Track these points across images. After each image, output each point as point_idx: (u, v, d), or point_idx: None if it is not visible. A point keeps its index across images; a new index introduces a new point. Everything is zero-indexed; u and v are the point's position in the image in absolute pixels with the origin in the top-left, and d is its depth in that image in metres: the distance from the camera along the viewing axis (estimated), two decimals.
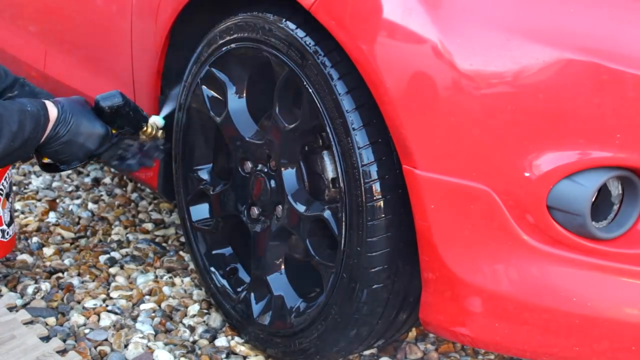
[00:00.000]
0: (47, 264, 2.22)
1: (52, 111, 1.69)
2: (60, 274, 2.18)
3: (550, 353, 1.49)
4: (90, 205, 2.56)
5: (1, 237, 2.01)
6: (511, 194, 1.42)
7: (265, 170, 1.81)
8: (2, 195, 1.98)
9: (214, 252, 1.99)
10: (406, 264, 1.58)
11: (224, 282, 1.95)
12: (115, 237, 2.38)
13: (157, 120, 1.90)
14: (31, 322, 1.96)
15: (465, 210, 1.45)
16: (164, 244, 2.37)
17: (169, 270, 2.22)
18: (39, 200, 2.59)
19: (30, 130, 1.63)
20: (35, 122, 1.64)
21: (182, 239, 2.36)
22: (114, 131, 1.80)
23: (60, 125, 1.69)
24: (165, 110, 1.99)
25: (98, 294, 2.10)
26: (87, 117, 1.74)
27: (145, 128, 1.85)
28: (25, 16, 2.60)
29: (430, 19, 1.42)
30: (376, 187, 1.53)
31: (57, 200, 2.60)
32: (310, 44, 1.59)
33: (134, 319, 2.01)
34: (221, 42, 1.79)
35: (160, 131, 1.91)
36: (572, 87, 1.37)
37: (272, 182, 1.79)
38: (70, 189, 2.69)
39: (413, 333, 1.96)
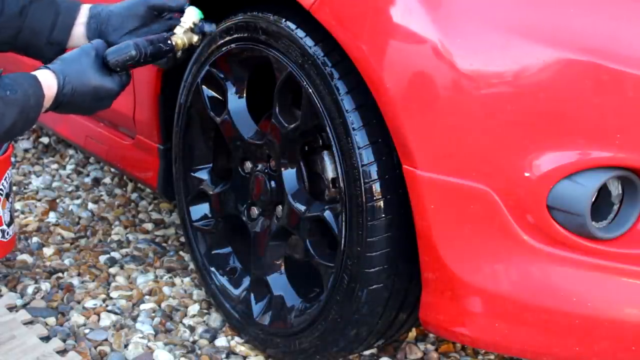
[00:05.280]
0: (47, 264, 2.22)
1: (50, 84, 1.54)
2: (60, 274, 2.18)
3: (550, 353, 1.49)
4: (90, 205, 2.56)
5: (1, 237, 2.01)
6: (511, 194, 1.42)
7: (265, 170, 1.81)
8: (2, 195, 1.98)
9: (214, 252, 1.99)
10: (406, 264, 1.58)
11: (224, 281, 1.95)
12: (115, 237, 2.38)
13: (191, 18, 1.66)
14: (31, 322, 1.96)
15: (465, 211, 1.45)
16: (164, 244, 2.37)
17: (169, 270, 2.22)
18: (39, 200, 2.59)
19: (14, 117, 1.48)
20: (20, 106, 1.48)
21: (182, 239, 2.36)
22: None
23: (63, 97, 1.55)
24: None
25: (98, 294, 2.10)
26: (95, 79, 1.57)
27: (175, 50, 1.64)
28: None
29: (431, 19, 1.42)
30: (376, 187, 1.53)
31: (57, 200, 2.60)
32: (310, 44, 1.59)
33: (134, 319, 2.01)
34: (221, 42, 1.79)
35: (196, 37, 1.67)
36: (572, 87, 1.37)
37: (272, 182, 1.79)
38: (70, 189, 2.69)
39: (413, 333, 1.96)
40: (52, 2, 1.69)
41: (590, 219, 1.41)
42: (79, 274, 2.19)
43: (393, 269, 1.58)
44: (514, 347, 1.52)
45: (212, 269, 1.97)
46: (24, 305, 2.03)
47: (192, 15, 1.66)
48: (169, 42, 1.63)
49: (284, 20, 1.64)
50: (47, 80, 1.55)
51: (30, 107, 1.51)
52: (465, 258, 1.47)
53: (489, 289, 1.47)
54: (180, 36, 1.65)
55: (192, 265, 2.21)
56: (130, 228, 2.44)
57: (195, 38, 1.67)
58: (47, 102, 1.54)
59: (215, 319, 2.01)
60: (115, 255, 2.29)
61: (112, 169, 2.76)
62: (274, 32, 1.66)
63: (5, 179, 1.99)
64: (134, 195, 2.63)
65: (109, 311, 2.03)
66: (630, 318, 1.44)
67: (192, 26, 1.66)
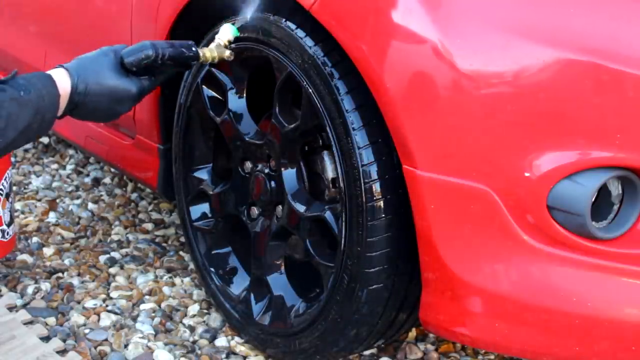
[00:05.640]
0: (47, 264, 2.22)
1: (64, 84, 1.50)
2: (60, 274, 2.18)
3: (550, 353, 1.49)
4: (90, 205, 2.56)
5: (1, 237, 2.01)
6: (511, 194, 1.42)
7: (265, 170, 1.81)
8: (2, 195, 1.98)
9: (214, 252, 1.99)
10: (406, 264, 1.58)
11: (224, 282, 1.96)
12: (115, 237, 2.38)
13: (226, 36, 1.67)
14: (31, 322, 1.96)
15: (465, 211, 1.45)
16: (164, 244, 2.37)
17: (169, 270, 2.22)
18: (39, 200, 2.59)
19: (29, 118, 1.44)
20: (35, 107, 1.44)
21: (182, 239, 2.36)
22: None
23: (78, 96, 1.51)
24: (244, 18, 1.71)
25: (98, 294, 2.10)
26: (111, 79, 1.53)
27: (200, 59, 1.63)
28: (25, 16, 2.60)
29: (431, 19, 1.42)
30: (376, 187, 1.53)
31: (57, 200, 2.59)
32: (310, 44, 1.59)
33: (134, 319, 2.01)
34: None
35: (228, 52, 1.68)
36: (572, 87, 1.37)
37: (272, 182, 1.79)
38: (70, 189, 2.69)
39: (413, 333, 1.96)
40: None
41: (590, 219, 1.41)
42: (79, 274, 2.19)
43: (393, 269, 1.58)
44: (514, 347, 1.52)
45: (212, 269, 1.97)
46: (24, 305, 2.03)
47: (227, 32, 1.68)
48: (193, 48, 1.62)
49: (284, 20, 1.64)
50: (61, 79, 1.51)
51: (46, 108, 1.47)
52: (465, 258, 1.47)
53: (489, 289, 1.47)
54: (212, 49, 1.66)
55: (192, 265, 2.21)
56: (130, 228, 2.44)
57: (227, 53, 1.69)
58: (63, 102, 1.51)
59: (215, 319, 2.01)
60: (115, 255, 2.29)
61: (112, 169, 2.76)
62: (274, 32, 1.65)
63: (5, 179, 1.99)
64: (134, 195, 2.63)
65: (109, 311, 2.03)
66: (630, 318, 1.44)
67: (227, 43, 1.68)
